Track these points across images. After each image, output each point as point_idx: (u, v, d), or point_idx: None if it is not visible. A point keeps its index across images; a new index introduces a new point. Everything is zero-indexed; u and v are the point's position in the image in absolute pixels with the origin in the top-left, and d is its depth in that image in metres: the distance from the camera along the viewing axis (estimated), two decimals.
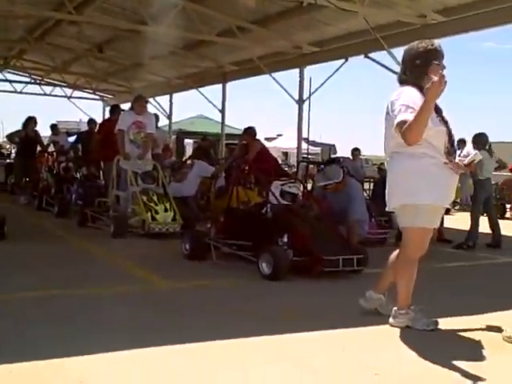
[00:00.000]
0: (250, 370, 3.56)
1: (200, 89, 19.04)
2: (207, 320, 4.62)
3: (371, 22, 11.23)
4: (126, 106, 12.35)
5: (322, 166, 10.01)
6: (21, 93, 24.72)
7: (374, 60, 12.52)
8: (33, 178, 14.15)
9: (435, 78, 3.84)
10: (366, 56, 12.67)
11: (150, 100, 17.90)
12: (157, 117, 12.60)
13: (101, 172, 12.60)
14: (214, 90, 19.46)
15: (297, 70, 15.24)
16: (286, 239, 6.44)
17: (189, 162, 12.79)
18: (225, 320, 4.61)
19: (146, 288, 5.79)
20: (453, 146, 4.32)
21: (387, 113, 4.28)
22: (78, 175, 12.84)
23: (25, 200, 13.34)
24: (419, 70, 4.26)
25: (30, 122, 13.92)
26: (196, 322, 4.54)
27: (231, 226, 7.38)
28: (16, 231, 8.36)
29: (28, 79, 24.32)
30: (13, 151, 19.64)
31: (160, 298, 5.39)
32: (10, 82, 23.92)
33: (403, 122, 4.00)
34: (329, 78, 14.64)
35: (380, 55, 12.36)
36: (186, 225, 8.90)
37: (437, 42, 4.45)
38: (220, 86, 18.48)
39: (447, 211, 8.95)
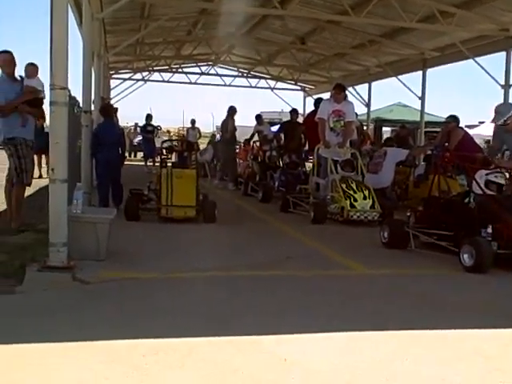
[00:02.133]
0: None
1: (399, 76, 18.74)
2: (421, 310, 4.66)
3: None
4: (326, 96, 12.60)
5: None
6: (229, 85, 26.27)
7: None
8: (232, 165, 15.13)
9: None
10: None
11: (349, 89, 18.02)
12: None
13: (302, 160, 13.05)
14: (413, 77, 19.04)
15: (503, 54, 14.33)
16: (490, 230, 6.21)
17: (380, 150, 12.70)
18: (432, 312, 4.61)
19: (346, 273, 5.98)
20: None
21: None
22: (281, 163, 13.38)
23: (232, 186, 14.30)
24: None
25: (234, 112, 14.83)
26: (408, 311, 4.61)
27: (431, 215, 7.27)
28: (225, 215, 9.03)
29: (236, 73, 25.78)
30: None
31: (360, 284, 5.55)
32: (221, 76, 25.56)
33: None
34: None
35: None
36: (384, 213, 8.93)
37: None
38: (420, 72, 18.02)
39: None
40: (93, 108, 11.44)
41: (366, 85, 21.64)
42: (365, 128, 15.88)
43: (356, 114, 12.24)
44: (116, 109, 20.41)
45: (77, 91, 9.08)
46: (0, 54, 7.11)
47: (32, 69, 7.42)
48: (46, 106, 7.26)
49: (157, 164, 16.75)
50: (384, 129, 26.28)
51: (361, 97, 21.34)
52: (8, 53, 7.16)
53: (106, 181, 9.33)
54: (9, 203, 7.39)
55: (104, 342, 3.57)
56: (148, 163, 20.02)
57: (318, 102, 11.98)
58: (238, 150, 17.05)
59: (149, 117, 20.84)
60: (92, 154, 9.48)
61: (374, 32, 15.85)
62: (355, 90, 21.23)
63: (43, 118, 7.78)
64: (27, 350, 3.41)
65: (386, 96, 76.20)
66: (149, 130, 20.59)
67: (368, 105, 21.64)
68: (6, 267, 5.21)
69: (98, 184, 9.60)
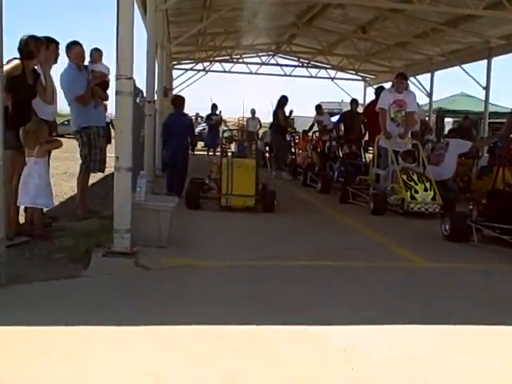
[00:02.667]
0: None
1: (463, 65, 18.30)
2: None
3: None
4: (387, 86, 12.45)
5: None
6: (290, 75, 26.24)
7: None
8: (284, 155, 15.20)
9: None
10: None
11: (411, 78, 17.72)
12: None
13: (362, 151, 12.97)
14: (477, 67, 18.55)
15: None
16: None
17: (442, 141, 12.47)
18: (495, 308, 4.54)
19: (406, 265, 5.92)
20: None
21: None
22: (341, 154, 13.31)
23: (288, 176, 14.34)
24: None
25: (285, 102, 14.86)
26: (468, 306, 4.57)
27: (495, 208, 7.10)
28: (284, 205, 9.07)
29: (296, 62, 25.71)
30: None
31: (420, 277, 5.50)
32: (281, 65, 25.57)
33: None
34: None
35: None
36: (446, 205, 8.78)
37: None
38: (485, 61, 17.54)
39: None
40: (156, 98, 11.67)
41: (428, 74, 21.24)
42: (426, 119, 15.55)
43: (418, 104, 12.06)
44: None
45: (141, 81, 9.31)
46: (72, 45, 7.32)
47: (97, 54, 7.67)
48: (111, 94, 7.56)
49: (217, 154, 16.98)
50: (446, 120, 25.73)
51: (423, 87, 20.98)
52: (79, 45, 7.38)
53: (173, 167, 9.76)
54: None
55: (165, 327, 3.66)
56: (209, 153, 20.33)
57: (378, 90, 11.84)
58: (297, 140, 17.06)
59: (214, 107, 21.06)
60: (163, 142, 9.99)
61: (438, 20, 15.52)
62: (417, 79, 20.88)
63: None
64: (89, 333, 3.54)
65: (449, 86, 74.21)
66: (213, 119, 20.84)
67: (430, 95, 21.23)
68: (73, 252, 5.40)
69: (166, 172, 10.11)
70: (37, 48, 5.98)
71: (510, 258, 6.14)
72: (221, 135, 13.48)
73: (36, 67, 6.15)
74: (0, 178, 4.29)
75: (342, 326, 3.84)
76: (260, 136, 19.02)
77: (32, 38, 5.97)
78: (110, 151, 7.53)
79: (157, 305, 4.14)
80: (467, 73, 18.10)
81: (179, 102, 10.47)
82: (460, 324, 3.98)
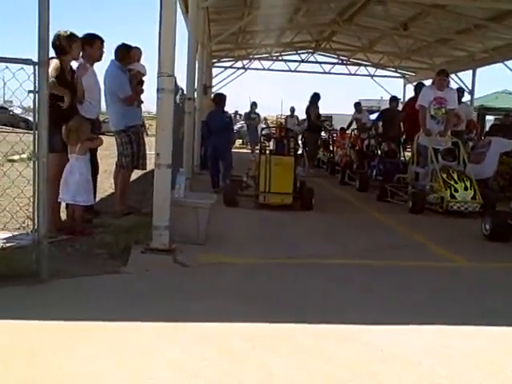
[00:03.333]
0: None
1: (506, 62, 17.93)
2: None
3: None
4: (427, 83, 12.30)
5: None
6: (329, 73, 26.13)
7: None
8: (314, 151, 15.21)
9: None
10: None
11: (452, 76, 17.44)
12: (461, 91, 12.36)
13: (401, 149, 12.83)
14: None
15: None
16: None
17: (484, 139, 12.27)
18: None
19: (445, 265, 5.86)
20: None
21: None
22: (379, 152, 13.21)
23: (303, 173, 14.28)
24: None
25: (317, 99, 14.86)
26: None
27: None
28: (321, 203, 9.05)
29: (335, 60, 25.59)
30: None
31: (460, 277, 5.43)
32: (320, 63, 25.47)
33: None
34: None
35: None
36: (486, 204, 8.63)
37: None
38: None
39: None
40: (195, 96, 11.77)
41: (470, 71, 20.89)
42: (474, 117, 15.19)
43: (465, 103, 11.89)
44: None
45: (181, 79, 9.43)
46: (124, 48, 7.45)
47: (138, 53, 7.78)
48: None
49: (256, 151, 17.04)
50: (487, 117, 25.27)
51: (464, 84, 20.64)
52: (132, 48, 7.54)
53: (215, 164, 10.40)
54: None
55: (200, 323, 3.71)
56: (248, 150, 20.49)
57: (418, 87, 11.72)
58: (335, 138, 16.99)
59: (254, 105, 21.14)
60: (204, 139, 10.68)
61: (481, 16, 15.25)
62: (458, 77, 20.55)
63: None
64: (128, 329, 3.60)
65: (492, 83, 72.84)
66: (252, 117, 20.91)
67: (472, 92, 20.88)
68: (112, 248, 5.49)
69: (210, 166, 10.71)
70: (69, 44, 6.08)
71: None
72: (259, 133, 13.51)
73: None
74: (42, 175, 4.38)
75: (376, 325, 3.82)
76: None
77: (64, 33, 6.06)
78: (147, 149, 7.69)
79: (192, 302, 4.18)
80: (510, 69, 17.75)
81: (219, 99, 10.65)
82: (504, 325, 3.92)
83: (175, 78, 5.93)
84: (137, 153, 7.44)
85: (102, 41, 6.82)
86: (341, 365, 3.21)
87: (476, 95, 21.71)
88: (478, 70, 20.82)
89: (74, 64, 6.44)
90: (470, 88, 20.78)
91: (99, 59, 6.92)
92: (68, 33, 6.09)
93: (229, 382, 2.95)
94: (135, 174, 9.05)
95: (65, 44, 6.03)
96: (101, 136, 6.63)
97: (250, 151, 20.44)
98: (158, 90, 5.42)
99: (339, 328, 3.75)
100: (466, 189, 8.81)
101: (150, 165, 7.13)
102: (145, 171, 8.17)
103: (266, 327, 3.70)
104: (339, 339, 3.58)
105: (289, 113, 21.81)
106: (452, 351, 3.46)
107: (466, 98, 20.62)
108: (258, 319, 3.80)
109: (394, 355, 3.36)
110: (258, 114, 21.45)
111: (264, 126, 20.92)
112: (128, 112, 7.40)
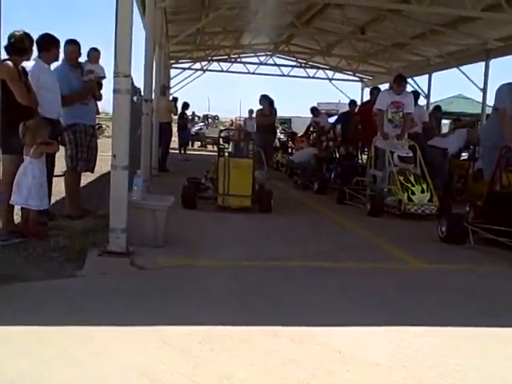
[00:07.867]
0: None
1: (461, 67, 18.30)
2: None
3: None
4: (384, 87, 12.48)
5: None
6: (288, 76, 26.22)
7: None
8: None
9: None
10: None
11: (409, 80, 17.70)
12: (417, 94, 12.55)
13: (359, 152, 12.96)
14: (475, 68, 18.56)
15: None
16: None
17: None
18: (488, 310, 4.56)
19: (401, 267, 5.90)
20: None
21: None
22: (337, 154, 13.29)
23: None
24: None
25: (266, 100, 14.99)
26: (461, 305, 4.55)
27: (492, 210, 7.10)
28: (280, 205, 9.05)
29: (294, 63, 25.70)
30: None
31: (415, 278, 5.49)
32: (278, 66, 25.55)
33: None
34: None
35: None
36: (442, 207, 8.77)
37: None
38: (482, 63, 17.55)
39: None
40: (153, 97, 11.65)
41: (426, 76, 21.24)
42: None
43: (420, 105, 12.11)
44: (176, 98, 20.61)
45: (138, 80, 9.30)
46: (68, 44, 7.28)
47: (95, 54, 7.64)
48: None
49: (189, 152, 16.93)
50: (443, 121, 25.73)
51: (420, 88, 20.97)
52: (73, 43, 7.33)
53: None
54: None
55: (159, 327, 3.65)
56: (181, 151, 20.18)
57: (373, 91, 11.88)
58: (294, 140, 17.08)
59: (185, 105, 20.71)
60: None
61: (436, 21, 15.52)
62: (414, 81, 20.86)
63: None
64: (84, 332, 3.53)
65: (447, 88, 74.35)
66: (185, 118, 20.62)
67: (428, 96, 21.22)
68: (68, 252, 5.38)
69: None
70: (28, 45, 6.01)
71: (507, 260, 6.13)
72: (218, 134, 13.48)
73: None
74: None
75: (333, 327, 3.83)
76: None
77: (27, 35, 5.97)
78: (104, 150, 7.53)
79: (150, 305, 4.12)
80: (465, 74, 18.12)
81: None
82: (453, 325, 3.98)
83: (132, 78, 5.85)
84: (75, 154, 7.22)
85: (57, 42, 6.71)
86: (299, 366, 3.19)
87: (432, 99, 22.09)
88: (434, 75, 21.19)
89: (26, 64, 6.28)
90: (427, 92, 21.13)
91: (56, 59, 6.80)
92: (23, 33, 5.97)
93: None
94: (93, 176, 8.91)
95: (28, 46, 5.97)
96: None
97: (180, 151, 20.12)
98: (114, 90, 5.32)
99: (298, 330, 3.74)
100: (422, 191, 8.93)
101: (107, 167, 7.01)
102: (103, 173, 8.03)
103: (224, 329, 3.66)
104: (298, 341, 3.56)
105: (247, 115, 21.80)
106: (409, 351, 3.49)
107: (422, 101, 21.02)
108: (216, 321, 3.75)
109: (352, 356, 3.36)
110: (187, 116, 21.19)
111: (222, 128, 20.81)
112: (68, 109, 7.10)
